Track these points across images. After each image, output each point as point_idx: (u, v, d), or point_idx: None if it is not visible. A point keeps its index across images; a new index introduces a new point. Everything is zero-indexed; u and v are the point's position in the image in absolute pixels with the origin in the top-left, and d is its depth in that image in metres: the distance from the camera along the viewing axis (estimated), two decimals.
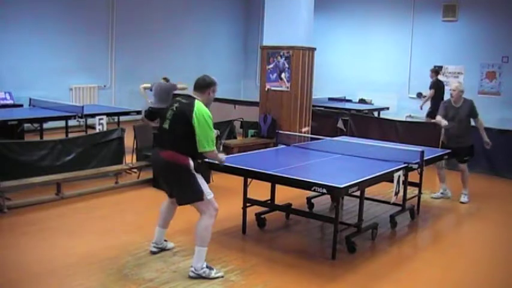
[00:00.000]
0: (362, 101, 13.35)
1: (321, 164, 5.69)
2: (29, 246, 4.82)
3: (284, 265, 4.62)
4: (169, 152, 4.19)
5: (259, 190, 5.53)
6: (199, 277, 4.19)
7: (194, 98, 4.26)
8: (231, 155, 6.89)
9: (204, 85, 4.33)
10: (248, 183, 5.29)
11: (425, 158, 5.68)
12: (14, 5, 10.63)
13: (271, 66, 9.15)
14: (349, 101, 13.28)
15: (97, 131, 7.77)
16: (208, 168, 6.33)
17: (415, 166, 5.58)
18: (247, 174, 5.11)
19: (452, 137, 6.84)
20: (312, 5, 9.08)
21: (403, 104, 13.41)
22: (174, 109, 4.24)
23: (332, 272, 4.57)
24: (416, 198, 6.36)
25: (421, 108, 11.19)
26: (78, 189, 6.55)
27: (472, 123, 6.93)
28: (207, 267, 4.24)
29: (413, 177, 6.05)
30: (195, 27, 14.63)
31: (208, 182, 7.24)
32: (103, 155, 7.23)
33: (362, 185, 4.78)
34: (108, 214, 5.91)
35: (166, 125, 4.25)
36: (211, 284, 4.14)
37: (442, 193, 7.12)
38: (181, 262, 4.53)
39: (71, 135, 8.37)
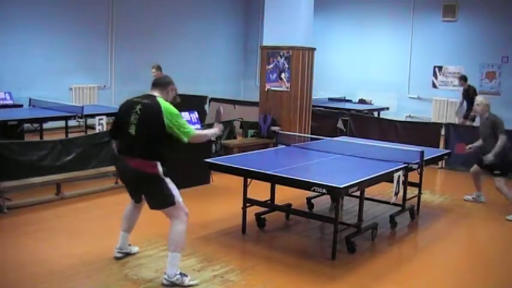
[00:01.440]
0: (362, 101, 13.35)
1: (320, 164, 5.69)
2: (29, 247, 4.82)
3: (284, 265, 4.62)
4: (137, 160, 3.98)
5: (259, 190, 5.53)
6: (173, 285, 4.04)
7: (155, 96, 4.07)
8: (231, 155, 6.91)
9: (164, 82, 4.22)
10: (248, 183, 5.29)
11: (425, 158, 5.68)
12: (14, 6, 10.63)
13: (271, 66, 9.15)
14: (349, 101, 13.30)
15: (97, 131, 7.76)
16: (208, 168, 6.36)
17: (415, 166, 5.58)
18: (247, 174, 5.11)
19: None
20: (311, 5, 9.09)
21: (403, 104, 13.43)
22: (139, 112, 3.98)
23: (332, 272, 4.57)
24: (416, 198, 6.37)
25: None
26: (78, 189, 6.55)
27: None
28: (180, 274, 4.07)
29: (413, 177, 6.06)
30: (195, 27, 14.62)
31: (208, 182, 7.29)
32: (103, 155, 7.21)
33: (362, 185, 4.79)
34: (108, 214, 5.90)
35: (132, 130, 3.99)
36: (210, 284, 4.14)
37: (474, 198, 7.02)
38: (180, 262, 4.51)
39: (70, 135, 8.37)
